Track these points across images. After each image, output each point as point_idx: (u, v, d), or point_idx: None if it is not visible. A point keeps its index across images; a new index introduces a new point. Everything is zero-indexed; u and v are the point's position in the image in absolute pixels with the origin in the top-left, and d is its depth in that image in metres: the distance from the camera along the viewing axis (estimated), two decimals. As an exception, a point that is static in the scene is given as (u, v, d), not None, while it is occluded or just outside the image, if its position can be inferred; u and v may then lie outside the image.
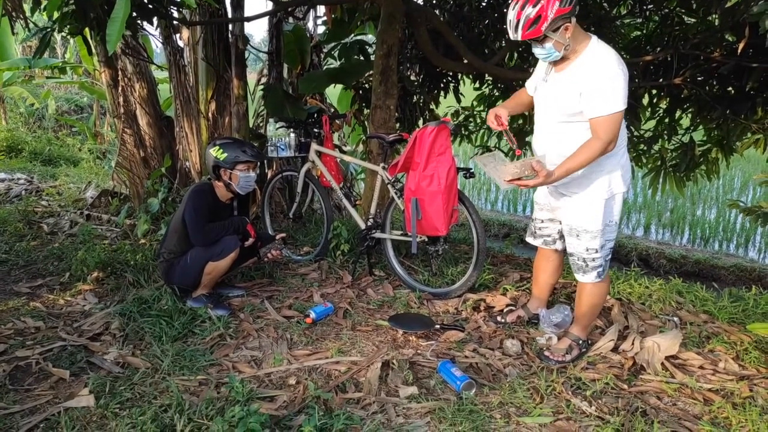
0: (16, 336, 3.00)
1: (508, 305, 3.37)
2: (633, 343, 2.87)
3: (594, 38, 2.43)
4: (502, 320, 3.19)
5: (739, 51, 3.40)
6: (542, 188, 2.87)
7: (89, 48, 4.03)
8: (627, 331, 3.07)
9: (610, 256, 2.70)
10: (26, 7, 4.62)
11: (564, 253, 2.99)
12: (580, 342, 2.82)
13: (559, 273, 3.15)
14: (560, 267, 3.11)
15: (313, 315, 3.17)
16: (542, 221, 2.95)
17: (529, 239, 3.10)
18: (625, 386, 2.56)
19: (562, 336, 2.89)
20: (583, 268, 2.69)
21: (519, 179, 2.44)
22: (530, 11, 2.28)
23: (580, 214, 2.61)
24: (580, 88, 2.38)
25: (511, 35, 2.39)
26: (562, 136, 2.54)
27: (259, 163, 3.40)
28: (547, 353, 2.80)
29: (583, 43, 2.42)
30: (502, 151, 5.51)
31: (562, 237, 2.89)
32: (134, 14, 3.34)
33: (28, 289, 3.71)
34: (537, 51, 2.45)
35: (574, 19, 2.34)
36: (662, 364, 2.71)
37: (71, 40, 11.87)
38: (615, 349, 2.87)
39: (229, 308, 3.32)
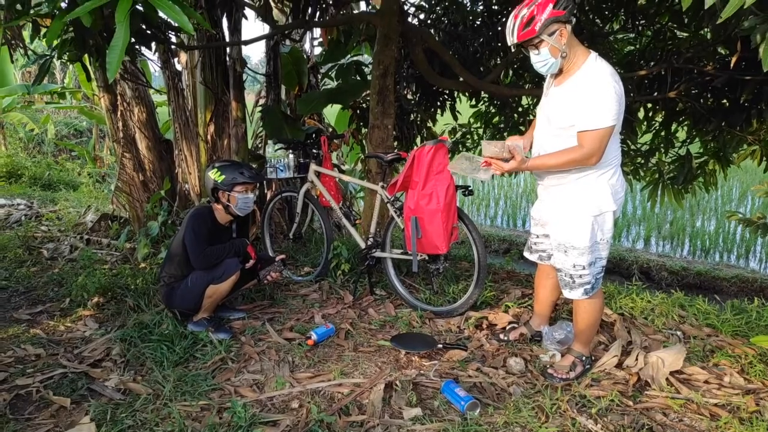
0: (16, 364, 2.98)
1: (510, 323, 3.35)
2: (637, 359, 2.85)
3: (593, 55, 2.47)
4: (505, 338, 3.17)
5: (732, 64, 3.44)
6: (536, 203, 2.88)
7: (88, 74, 4.08)
8: (630, 346, 3.05)
9: (601, 274, 2.68)
10: (25, 34, 4.67)
11: None
12: (584, 358, 2.81)
13: (560, 290, 3.13)
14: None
15: (314, 337, 3.15)
16: (537, 236, 2.95)
17: (526, 254, 3.09)
18: (631, 403, 2.54)
19: (565, 353, 2.88)
20: (569, 284, 2.67)
21: (496, 158, 2.53)
22: (525, 12, 2.37)
23: (568, 230, 2.61)
24: (574, 103, 2.42)
25: (509, 41, 2.44)
26: (555, 148, 2.55)
27: (257, 185, 3.41)
28: (550, 371, 2.78)
29: (582, 58, 2.46)
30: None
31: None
32: (133, 40, 3.38)
33: (28, 315, 3.70)
34: (534, 59, 2.48)
35: (569, 27, 2.39)
36: (667, 379, 2.69)
37: (70, 66, 11.97)
38: (619, 365, 2.85)
39: (231, 331, 3.30)
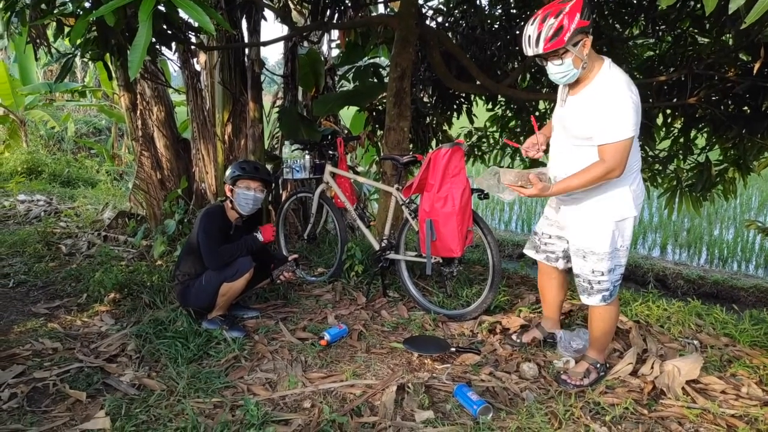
0: (34, 357, 3.02)
1: (521, 326, 3.33)
2: (652, 367, 2.82)
3: (607, 61, 2.43)
4: (518, 341, 3.15)
5: (754, 71, 3.39)
6: (553, 203, 2.86)
7: (109, 73, 4.13)
8: (646, 354, 3.02)
9: (620, 281, 2.65)
10: (49, 33, 4.76)
11: (567, 272, 2.97)
12: (598, 365, 2.78)
13: (565, 289, 3.12)
14: (565, 283, 3.07)
15: (327, 337, 3.16)
16: (549, 236, 2.91)
17: (529, 252, 3.03)
18: (645, 411, 2.51)
19: (580, 359, 2.85)
20: (588, 290, 2.64)
21: (517, 185, 2.49)
22: (553, 22, 2.28)
23: (588, 235, 2.58)
24: (592, 114, 2.39)
25: (531, 51, 2.36)
26: (574, 158, 2.53)
27: (265, 185, 3.44)
28: (564, 377, 2.76)
29: (597, 66, 2.43)
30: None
31: (566, 257, 2.86)
32: (154, 40, 3.42)
33: (46, 309, 3.75)
34: (555, 69, 2.41)
35: (591, 36, 2.35)
36: (683, 388, 2.65)
37: (91, 65, 12.16)
38: (634, 373, 2.82)
39: (244, 330, 3.32)
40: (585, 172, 2.39)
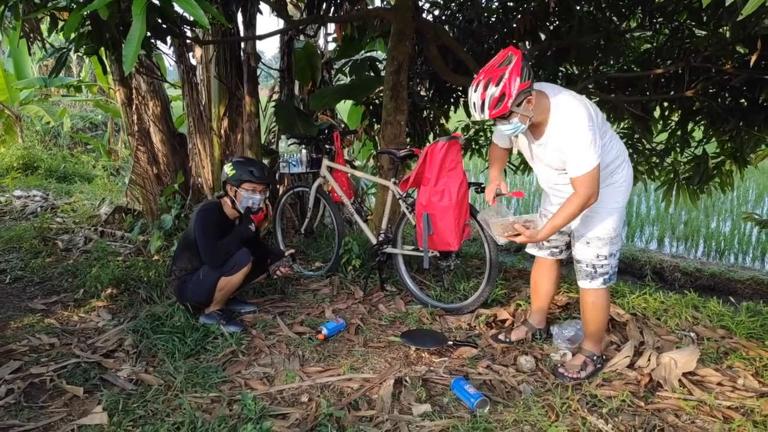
0: (30, 353, 3.02)
1: (505, 320, 3.35)
2: (649, 360, 2.82)
3: (551, 96, 2.46)
4: (507, 339, 3.14)
5: (751, 63, 3.39)
6: (555, 202, 2.85)
7: (104, 67, 4.09)
8: (643, 347, 3.03)
9: (616, 267, 2.73)
10: (43, 27, 4.72)
11: (562, 263, 3.04)
12: (595, 358, 2.79)
13: (559, 283, 3.20)
14: (560, 276, 3.17)
15: (324, 331, 3.16)
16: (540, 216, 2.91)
17: (533, 251, 3.06)
18: (642, 403, 2.52)
19: (576, 352, 2.86)
20: (591, 274, 2.69)
21: (507, 235, 2.58)
22: (494, 90, 2.32)
23: (593, 222, 2.64)
24: (560, 150, 2.47)
25: (477, 116, 2.43)
26: (564, 179, 2.60)
27: (267, 186, 3.42)
28: (561, 370, 2.77)
29: (546, 104, 2.46)
30: (513, 166, 5.52)
31: (567, 247, 2.92)
32: (149, 34, 3.40)
33: (42, 305, 3.75)
34: (503, 127, 2.48)
35: (534, 92, 2.41)
36: (680, 380, 2.66)
37: (86, 60, 12.09)
38: (631, 366, 2.83)
39: (242, 324, 3.32)
40: (565, 208, 2.48)
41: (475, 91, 2.39)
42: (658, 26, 4.52)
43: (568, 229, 2.80)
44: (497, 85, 2.32)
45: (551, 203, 2.85)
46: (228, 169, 3.34)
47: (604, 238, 2.63)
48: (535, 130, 2.56)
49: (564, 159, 2.46)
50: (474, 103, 2.41)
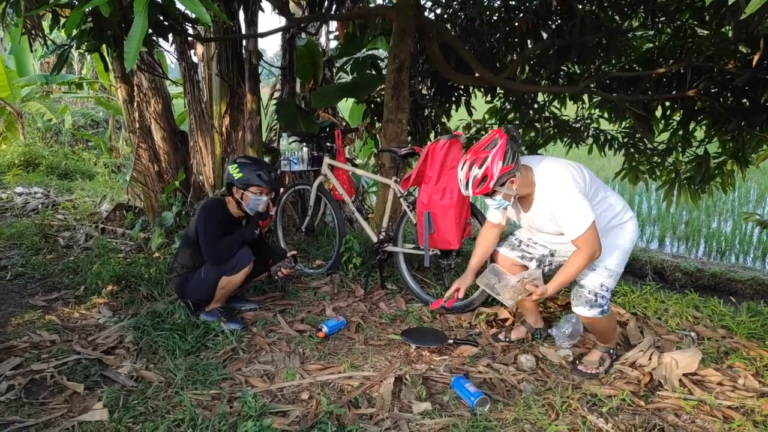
0: (31, 349, 3.02)
1: (506, 320, 3.34)
2: (650, 359, 2.82)
3: (534, 168, 2.57)
4: (506, 339, 3.14)
5: (754, 63, 3.38)
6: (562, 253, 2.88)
7: (106, 64, 4.08)
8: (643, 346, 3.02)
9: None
10: (45, 24, 4.72)
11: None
12: (611, 351, 2.83)
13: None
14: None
15: (325, 329, 3.16)
16: (535, 243, 2.93)
17: (504, 250, 3.00)
18: (642, 403, 2.52)
19: (592, 348, 2.90)
20: (591, 302, 2.66)
21: (519, 297, 2.64)
22: (477, 172, 2.48)
23: (606, 252, 2.61)
24: (552, 218, 2.57)
25: (463, 191, 2.58)
26: (563, 238, 2.65)
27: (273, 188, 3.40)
28: (581, 367, 2.79)
29: (531, 182, 2.57)
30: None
31: (540, 262, 2.92)
32: (150, 31, 3.40)
33: (43, 302, 3.75)
34: (489, 202, 2.63)
35: (518, 174, 2.52)
36: (680, 380, 2.66)
37: (88, 57, 12.10)
38: (632, 365, 2.83)
39: (242, 322, 3.32)
40: (573, 263, 2.54)
41: (461, 169, 2.54)
42: (660, 25, 4.51)
43: (550, 245, 2.86)
44: (480, 167, 2.47)
45: (534, 242, 2.92)
46: (234, 171, 3.26)
47: (612, 270, 2.64)
48: (523, 201, 2.69)
49: (558, 225, 2.56)
50: (460, 180, 2.56)
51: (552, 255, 2.92)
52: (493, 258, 3.03)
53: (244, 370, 2.82)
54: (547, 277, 2.70)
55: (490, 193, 2.54)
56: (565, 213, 2.47)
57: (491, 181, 2.46)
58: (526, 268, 2.94)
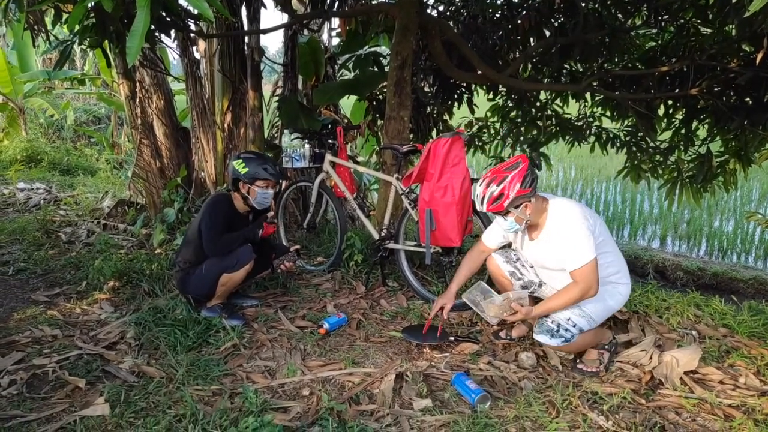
0: (33, 344, 3.03)
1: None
2: (651, 357, 2.82)
3: (550, 201, 2.66)
4: (507, 337, 3.13)
5: (757, 62, 3.37)
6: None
7: (108, 60, 4.11)
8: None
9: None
10: (47, 20, 4.72)
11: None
12: (606, 345, 2.83)
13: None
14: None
15: (326, 326, 3.17)
16: (531, 267, 2.94)
17: (499, 259, 2.97)
18: (643, 401, 2.52)
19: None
20: (552, 331, 2.65)
21: (503, 315, 2.68)
22: (494, 189, 2.57)
23: (593, 300, 2.61)
24: (556, 250, 2.62)
25: (478, 207, 2.66)
26: (563, 274, 2.65)
27: (278, 181, 3.41)
28: (581, 366, 2.79)
29: (544, 210, 2.67)
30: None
31: (525, 287, 2.95)
32: (153, 27, 3.39)
33: (45, 297, 3.76)
34: (500, 222, 2.72)
35: (533, 200, 2.60)
36: (681, 378, 2.67)
37: (90, 53, 12.10)
38: (633, 363, 2.83)
39: (243, 318, 3.33)
40: (563, 294, 2.58)
41: (480, 185, 2.64)
42: (663, 24, 4.50)
43: (543, 277, 2.90)
44: (498, 185, 2.57)
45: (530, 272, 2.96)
46: (239, 166, 3.26)
47: (586, 313, 2.64)
48: (532, 229, 2.77)
49: (560, 257, 2.59)
50: (477, 195, 2.65)
51: (540, 286, 2.95)
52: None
53: (245, 366, 2.83)
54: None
55: (504, 213, 2.61)
56: (570, 244, 2.53)
57: (506, 200, 2.54)
58: (510, 284, 2.97)
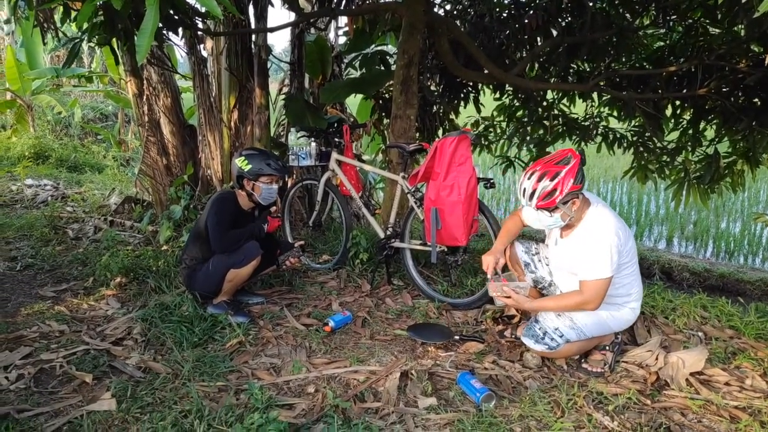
0: (41, 339, 3.05)
1: (513, 317, 3.34)
2: (657, 358, 2.82)
3: (593, 204, 2.61)
4: (513, 336, 3.13)
5: (766, 62, 3.35)
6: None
7: (116, 58, 4.11)
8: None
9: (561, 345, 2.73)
10: (56, 17, 4.75)
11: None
12: (608, 346, 2.83)
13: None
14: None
15: (331, 323, 3.17)
16: (547, 264, 2.95)
17: (519, 248, 3.02)
18: (649, 402, 2.51)
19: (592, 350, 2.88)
20: (537, 337, 2.69)
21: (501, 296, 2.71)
22: (547, 184, 2.48)
23: (591, 313, 2.62)
24: (578, 253, 2.60)
25: (524, 202, 2.58)
26: (574, 279, 2.65)
27: (282, 177, 3.43)
28: (585, 365, 2.80)
29: (584, 209, 2.62)
30: (523, 162, 5.51)
31: (536, 281, 2.96)
32: (161, 25, 3.41)
33: (53, 293, 3.79)
34: (545, 219, 2.60)
35: (581, 196, 2.56)
36: (687, 380, 2.65)
37: (97, 50, 12.14)
38: (638, 364, 2.82)
39: (249, 315, 3.34)
40: (562, 298, 2.59)
41: (529, 179, 2.53)
42: (671, 23, 4.48)
43: (557, 276, 2.89)
44: (552, 180, 2.47)
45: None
46: (242, 164, 3.28)
47: (577, 324, 2.64)
48: (566, 228, 2.71)
49: (577, 262, 2.57)
50: (525, 189, 2.54)
51: (550, 285, 2.96)
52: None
53: (250, 363, 2.84)
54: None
55: (552, 209, 2.53)
56: (592, 254, 2.50)
57: (560, 196, 2.47)
58: (523, 274, 2.98)
